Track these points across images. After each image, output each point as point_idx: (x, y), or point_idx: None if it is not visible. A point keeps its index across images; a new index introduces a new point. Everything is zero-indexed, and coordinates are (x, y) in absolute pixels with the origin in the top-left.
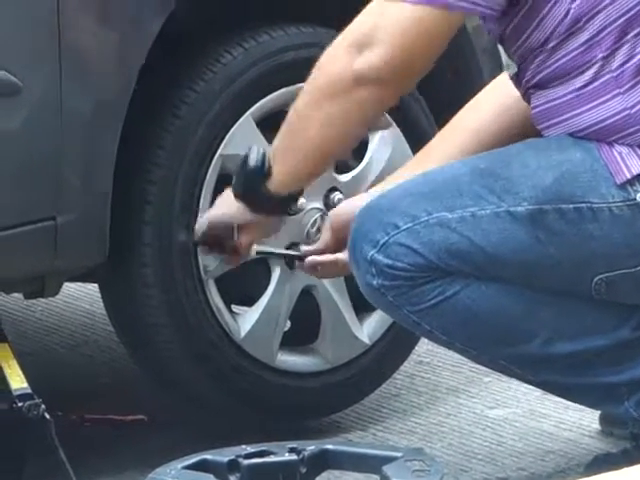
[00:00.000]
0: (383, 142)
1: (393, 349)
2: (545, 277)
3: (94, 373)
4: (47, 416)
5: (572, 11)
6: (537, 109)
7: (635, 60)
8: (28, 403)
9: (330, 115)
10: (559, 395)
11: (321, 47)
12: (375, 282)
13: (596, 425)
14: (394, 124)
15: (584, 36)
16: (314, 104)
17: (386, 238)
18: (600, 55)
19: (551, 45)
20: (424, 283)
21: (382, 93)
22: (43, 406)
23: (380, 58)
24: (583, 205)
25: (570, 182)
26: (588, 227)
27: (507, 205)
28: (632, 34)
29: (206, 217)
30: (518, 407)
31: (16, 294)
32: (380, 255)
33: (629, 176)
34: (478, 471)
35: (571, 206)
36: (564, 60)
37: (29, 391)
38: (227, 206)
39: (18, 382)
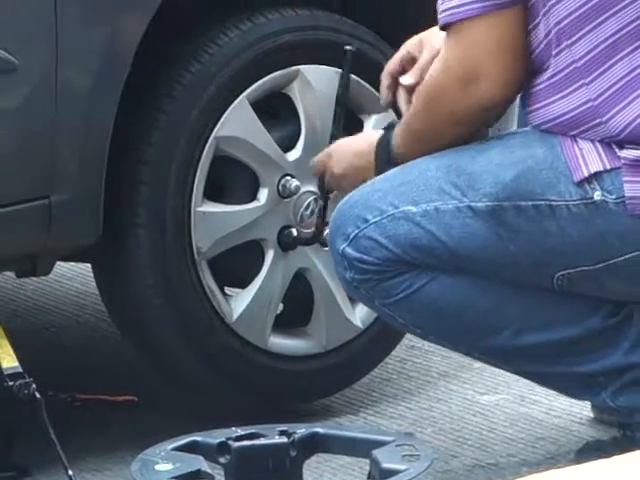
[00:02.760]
0: (378, 126)
1: (385, 333)
2: (507, 272)
3: (85, 353)
4: (38, 395)
5: (531, 3)
6: (522, 93)
7: (599, 49)
8: (19, 382)
9: (457, 137)
10: (541, 384)
11: (317, 29)
12: (348, 275)
13: (587, 412)
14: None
15: (543, 28)
16: (439, 135)
17: (356, 232)
18: (561, 45)
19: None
20: (392, 277)
21: (508, 103)
22: (34, 385)
23: (498, 82)
24: (542, 202)
25: (530, 179)
26: (546, 225)
27: (469, 200)
28: (595, 22)
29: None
30: (509, 393)
31: (8, 273)
32: (350, 249)
33: (587, 174)
34: (468, 457)
35: (530, 203)
36: (534, 54)
37: (20, 370)
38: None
39: (9, 361)
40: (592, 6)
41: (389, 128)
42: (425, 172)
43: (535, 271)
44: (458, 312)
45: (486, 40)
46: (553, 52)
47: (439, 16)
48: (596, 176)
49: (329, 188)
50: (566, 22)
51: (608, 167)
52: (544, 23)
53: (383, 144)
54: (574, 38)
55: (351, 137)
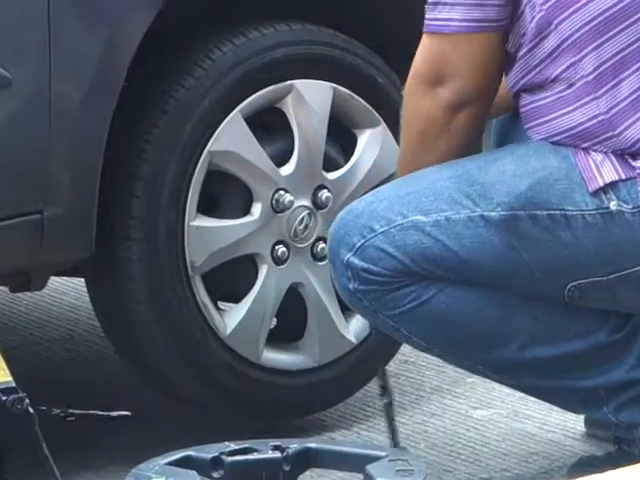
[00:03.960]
0: (372, 140)
1: (379, 348)
2: (518, 283)
3: (79, 368)
4: (31, 410)
5: (536, 19)
6: (523, 109)
7: (609, 64)
8: (12, 397)
9: (441, 152)
10: (540, 398)
11: (310, 44)
12: (351, 286)
13: (580, 427)
14: (383, 123)
15: (551, 43)
16: (421, 150)
17: (362, 241)
18: (570, 60)
19: (522, 53)
20: (399, 287)
21: (475, 111)
22: (27, 400)
23: (462, 83)
24: (557, 212)
25: (545, 189)
26: (561, 234)
27: (481, 210)
28: (605, 37)
29: None
30: (502, 408)
31: (2, 287)
32: (356, 259)
33: (602, 184)
34: (462, 471)
35: (545, 213)
36: (538, 69)
37: (13, 385)
38: None
39: (2, 376)
40: (601, 22)
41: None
42: (435, 182)
43: (547, 281)
44: (465, 324)
45: (460, 53)
46: (561, 67)
47: (425, 21)
48: (612, 186)
49: None
50: (575, 37)
51: (623, 177)
52: (551, 38)
53: None
54: (583, 53)
55: None
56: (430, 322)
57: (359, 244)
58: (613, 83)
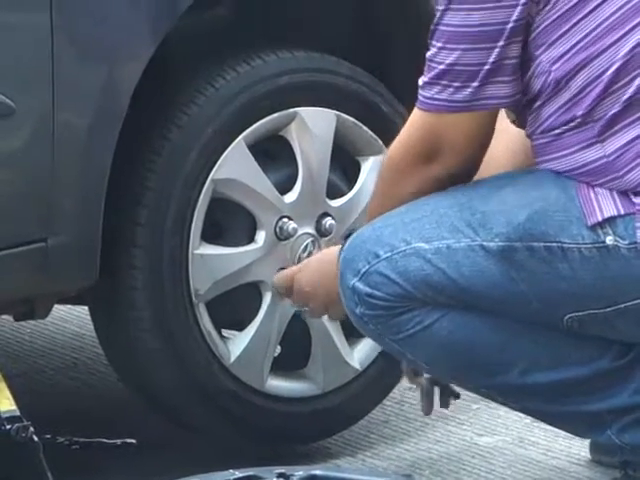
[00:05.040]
0: (375, 168)
1: (383, 375)
2: (517, 312)
3: (83, 396)
4: (36, 439)
5: (552, 74)
6: (533, 144)
7: (614, 110)
8: (17, 426)
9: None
10: (543, 421)
11: (314, 71)
12: (358, 310)
13: (585, 453)
14: (386, 150)
15: (566, 96)
16: (392, 203)
17: (367, 267)
18: (580, 113)
19: (538, 104)
20: (402, 312)
21: (462, 179)
22: (32, 429)
23: (456, 159)
24: (554, 244)
25: (543, 220)
26: (558, 266)
27: (481, 239)
28: (614, 88)
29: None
30: (507, 435)
31: (5, 316)
32: (361, 284)
33: (600, 219)
34: None
35: (542, 244)
36: (552, 119)
37: (18, 414)
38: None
39: (7, 404)
40: (608, 76)
41: (347, 237)
42: (438, 209)
43: (545, 312)
44: (468, 350)
45: (454, 132)
46: (570, 116)
47: (419, 96)
48: (609, 221)
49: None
50: (585, 93)
51: (622, 212)
52: (563, 94)
53: None
54: (592, 105)
55: (312, 258)
56: (433, 347)
57: (364, 270)
58: (615, 129)
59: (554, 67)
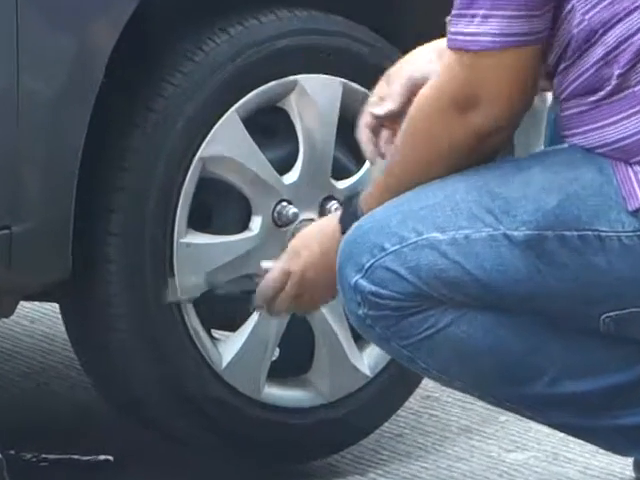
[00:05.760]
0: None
1: (397, 382)
2: (546, 311)
3: (53, 406)
4: None
5: (586, 23)
6: (563, 113)
7: None
8: None
9: (455, 171)
10: (577, 437)
11: (316, 33)
12: (361, 312)
13: (629, 472)
14: None
15: (600, 51)
16: (430, 169)
17: (372, 261)
18: (617, 72)
19: (569, 61)
20: (413, 313)
21: (507, 134)
22: None
23: (497, 108)
24: (589, 233)
25: (576, 206)
26: (593, 258)
27: (504, 228)
28: None
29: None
30: (539, 450)
31: None
32: (364, 281)
33: None
34: None
35: (575, 233)
36: (582, 78)
37: None
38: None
39: None
40: None
41: (349, 199)
42: (453, 194)
43: (578, 311)
44: (488, 356)
45: (496, 72)
46: (606, 76)
47: (450, 35)
48: None
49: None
50: (621, 49)
51: None
52: (597, 48)
53: (348, 215)
54: (630, 64)
55: (304, 230)
56: (448, 352)
57: (368, 264)
58: None
59: (588, 16)
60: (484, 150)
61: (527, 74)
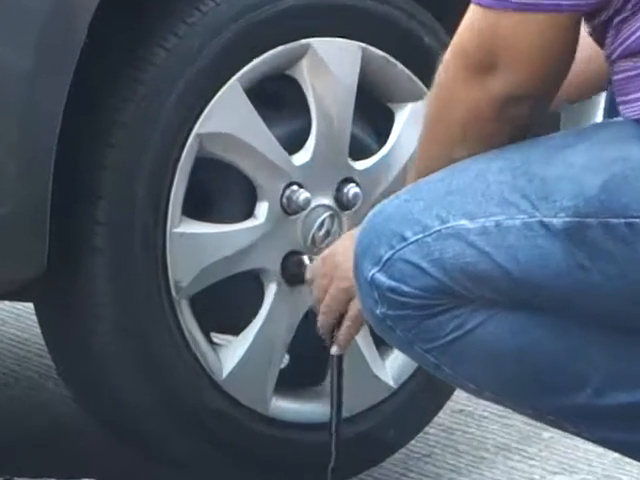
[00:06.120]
0: (413, 118)
1: (425, 394)
2: (589, 311)
3: (28, 420)
4: None
5: None
6: (615, 77)
7: None
8: None
9: (479, 149)
10: (629, 456)
11: None
12: (379, 311)
13: None
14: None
15: None
16: (453, 145)
17: (390, 253)
18: None
19: (621, 17)
20: (438, 313)
21: (534, 104)
22: None
23: (519, 74)
24: (637, 220)
25: (623, 188)
26: None
27: (541, 215)
28: None
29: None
30: (589, 472)
31: None
32: (382, 275)
33: None
34: None
35: (622, 220)
36: (633, 37)
37: None
38: None
39: None
40: None
41: None
42: (484, 175)
43: (627, 309)
44: (523, 361)
45: (517, 36)
46: None
47: None
48: None
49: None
50: None
51: None
52: None
53: None
54: None
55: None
56: (479, 357)
57: (387, 256)
58: None
59: None
60: (507, 122)
61: (556, 39)
